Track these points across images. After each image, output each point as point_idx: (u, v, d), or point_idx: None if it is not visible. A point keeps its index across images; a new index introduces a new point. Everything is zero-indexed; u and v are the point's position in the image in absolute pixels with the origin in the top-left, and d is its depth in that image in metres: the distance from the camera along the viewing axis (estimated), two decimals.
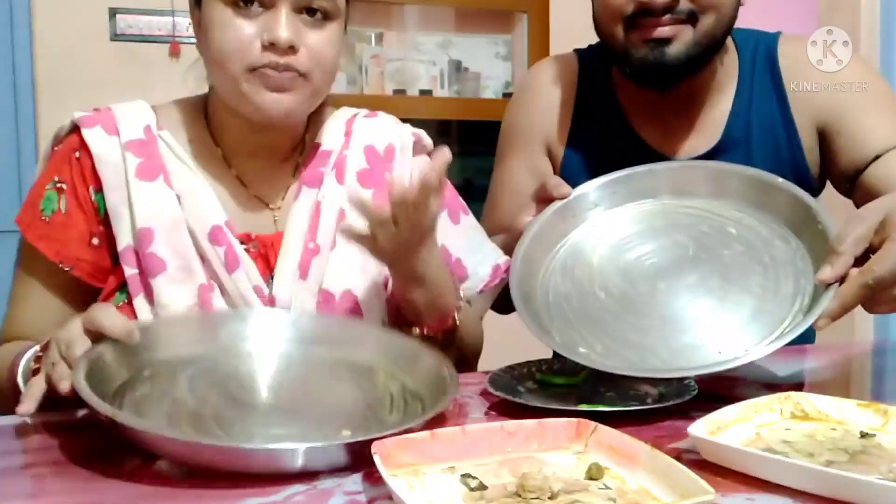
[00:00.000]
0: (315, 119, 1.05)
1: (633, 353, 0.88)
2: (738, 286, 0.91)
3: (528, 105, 1.29)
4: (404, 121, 1.13)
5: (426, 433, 0.66)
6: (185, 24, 2.36)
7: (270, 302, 0.94)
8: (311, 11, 0.90)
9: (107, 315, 0.74)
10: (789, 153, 1.19)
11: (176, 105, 1.02)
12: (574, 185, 1.21)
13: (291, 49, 0.88)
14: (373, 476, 0.61)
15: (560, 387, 0.90)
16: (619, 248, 1.00)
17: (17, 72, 2.32)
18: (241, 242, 0.95)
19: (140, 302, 0.91)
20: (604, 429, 0.67)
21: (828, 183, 1.26)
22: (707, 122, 1.20)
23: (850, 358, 1.24)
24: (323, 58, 0.91)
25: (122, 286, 0.92)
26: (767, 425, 0.73)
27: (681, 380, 0.85)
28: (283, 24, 0.88)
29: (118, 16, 2.39)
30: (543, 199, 1.03)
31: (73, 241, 0.93)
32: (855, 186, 1.18)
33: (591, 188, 1.05)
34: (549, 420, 0.69)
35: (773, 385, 0.91)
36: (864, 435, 0.69)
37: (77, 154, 0.94)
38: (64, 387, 0.69)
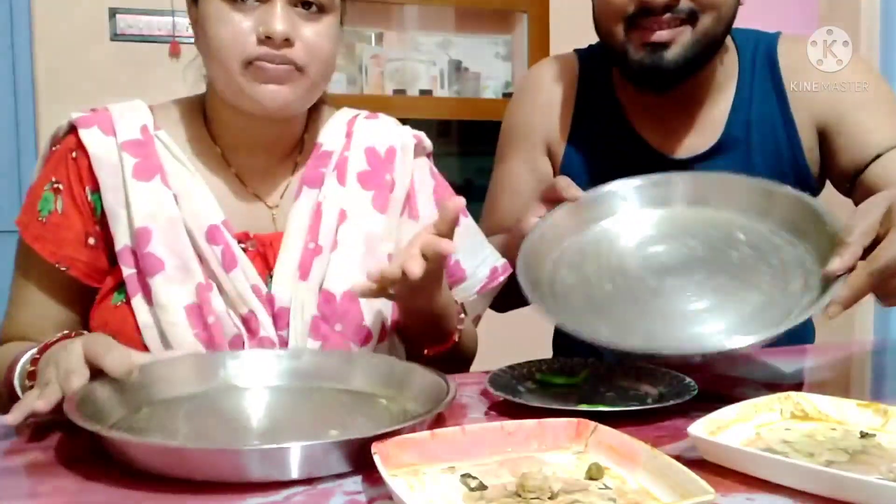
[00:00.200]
0: (313, 117, 1.05)
1: (638, 340, 0.87)
2: (746, 283, 0.91)
3: (529, 105, 1.29)
4: (404, 121, 1.13)
5: (426, 433, 0.66)
6: (184, 24, 2.36)
7: (269, 301, 0.94)
8: (306, 4, 0.91)
9: (108, 351, 0.74)
10: (790, 153, 1.19)
11: (174, 104, 1.02)
12: (576, 183, 1.22)
13: (287, 42, 0.89)
14: (373, 476, 0.61)
15: (560, 387, 0.90)
16: (628, 248, 0.99)
17: (17, 72, 2.32)
18: (239, 241, 0.95)
19: (138, 301, 0.91)
20: (604, 429, 0.67)
21: (827, 183, 1.26)
22: (707, 122, 1.20)
23: (850, 358, 1.24)
24: (319, 50, 0.92)
25: (120, 286, 0.92)
26: (767, 425, 0.73)
27: (681, 380, 0.85)
28: (279, 17, 0.88)
29: (118, 16, 2.39)
30: (551, 199, 1.01)
31: (70, 242, 0.93)
32: (855, 186, 1.18)
33: (606, 192, 1.03)
34: (549, 420, 0.69)
35: (773, 385, 0.91)
36: (864, 435, 0.69)
37: (74, 154, 0.94)
38: (42, 406, 0.70)
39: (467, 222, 1.12)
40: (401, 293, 0.89)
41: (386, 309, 0.99)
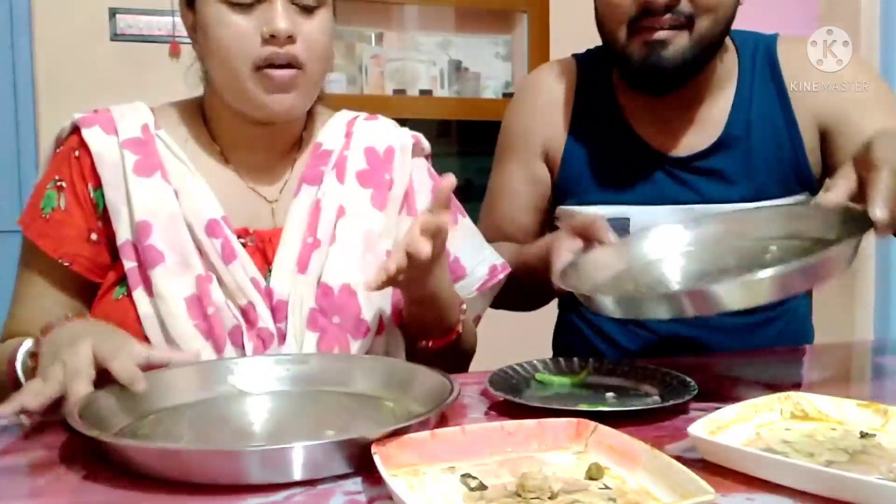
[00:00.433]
0: (311, 115, 1.07)
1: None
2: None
3: (526, 110, 1.30)
4: (404, 121, 1.14)
5: (426, 433, 0.66)
6: None
7: (267, 294, 0.94)
8: (302, 1, 0.93)
9: (116, 356, 0.75)
10: (791, 153, 1.19)
11: (173, 106, 1.04)
12: (574, 185, 1.23)
13: (290, 39, 0.91)
14: (373, 476, 0.61)
15: (560, 387, 0.90)
16: (658, 262, 1.01)
17: (17, 72, 2.32)
18: (239, 237, 0.96)
19: (139, 294, 0.92)
20: (604, 429, 0.67)
21: None
22: (707, 120, 1.20)
23: (850, 358, 1.24)
24: (318, 45, 0.94)
25: (122, 280, 0.93)
26: (767, 425, 0.73)
27: (681, 380, 0.85)
28: (281, 16, 0.91)
29: (118, 16, 2.39)
30: (583, 235, 1.02)
31: (72, 238, 0.95)
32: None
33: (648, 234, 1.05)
34: (549, 420, 0.69)
35: (773, 385, 0.91)
36: (864, 435, 0.69)
37: (76, 153, 0.96)
38: (33, 405, 0.71)
39: (465, 222, 1.13)
40: (407, 280, 0.89)
41: (383, 303, 1.00)
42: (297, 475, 0.61)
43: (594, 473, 0.61)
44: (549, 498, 0.57)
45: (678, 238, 1.02)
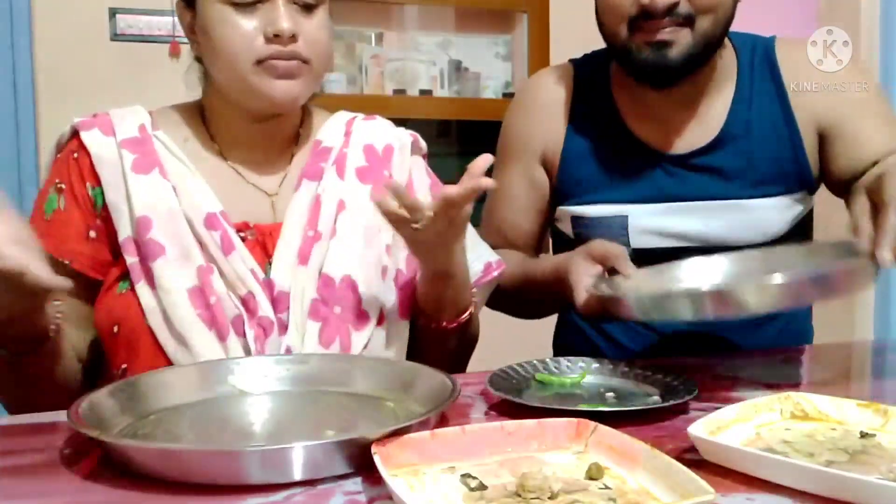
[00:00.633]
0: (307, 111, 1.09)
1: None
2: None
3: (525, 116, 1.31)
4: (404, 121, 1.17)
5: (426, 433, 0.66)
6: None
7: (268, 286, 0.95)
8: (303, 3, 0.95)
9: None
10: (790, 151, 1.20)
11: (171, 108, 1.06)
12: (573, 186, 1.23)
13: (293, 38, 0.93)
14: (373, 476, 0.61)
15: (560, 387, 0.90)
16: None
17: (17, 72, 2.31)
18: (239, 231, 0.98)
19: (142, 287, 0.93)
20: (604, 429, 0.67)
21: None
22: (705, 118, 1.21)
23: (849, 358, 1.24)
24: (319, 43, 0.97)
25: (125, 276, 0.94)
26: (767, 425, 0.73)
27: (681, 380, 0.85)
28: (284, 16, 0.93)
29: (118, 16, 2.39)
30: (603, 263, 1.05)
31: (72, 237, 0.96)
32: (850, 191, 1.19)
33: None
34: (549, 420, 0.69)
35: (773, 385, 0.91)
36: (864, 435, 0.70)
37: (76, 155, 0.98)
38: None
39: None
40: (428, 240, 0.89)
41: (384, 295, 1.01)
42: (298, 475, 0.61)
43: (594, 473, 0.61)
44: (549, 498, 0.57)
45: (712, 269, 1.06)
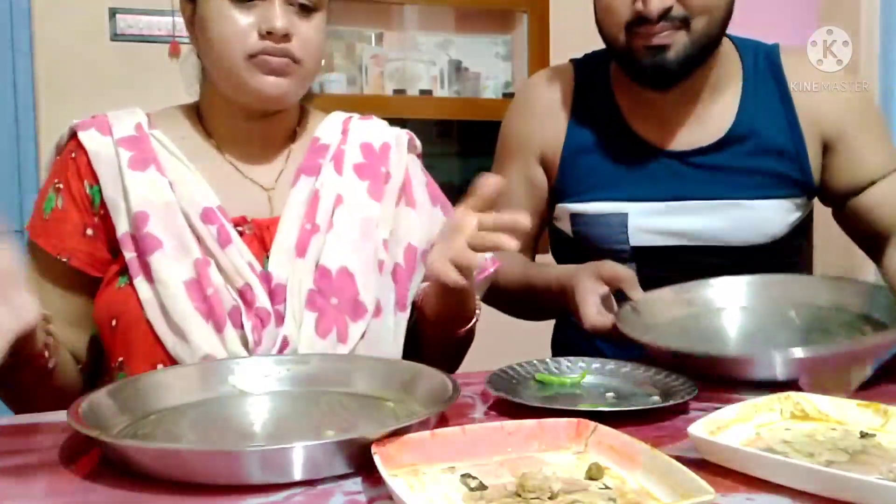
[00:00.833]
0: (304, 110, 1.11)
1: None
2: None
3: (524, 116, 1.31)
4: (404, 121, 1.16)
5: (426, 433, 0.66)
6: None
7: (265, 278, 0.96)
8: (301, 4, 0.97)
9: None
10: (794, 157, 1.21)
11: (168, 109, 1.08)
12: (574, 185, 1.23)
13: (286, 37, 0.96)
14: (373, 476, 0.61)
15: (560, 387, 0.90)
16: (720, 311, 1.07)
17: (17, 72, 2.31)
18: (237, 225, 0.99)
19: (140, 282, 0.93)
20: (604, 429, 0.67)
21: None
22: (708, 118, 1.21)
23: None
24: (312, 44, 0.99)
25: (123, 271, 0.95)
26: (767, 425, 0.73)
27: (681, 380, 0.85)
28: (279, 14, 0.95)
29: (118, 16, 2.39)
30: (610, 284, 1.07)
31: (69, 234, 0.97)
32: (845, 207, 1.24)
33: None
34: (549, 420, 0.69)
35: (773, 385, 0.91)
36: (864, 435, 0.69)
37: (73, 155, 0.99)
38: None
39: None
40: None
41: (380, 288, 1.01)
42: (298, 475, 0.61)
43: (594, 473, 0.61)
44: (549, 498, 0.57)
45: (739, 291, 1.08)
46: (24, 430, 0.78)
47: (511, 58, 2.94)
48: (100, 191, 0.97)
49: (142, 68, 2.35)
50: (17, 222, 2.28)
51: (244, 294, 0.94)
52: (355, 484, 0.62)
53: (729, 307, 1.06)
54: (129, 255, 0.94)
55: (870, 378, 0.86)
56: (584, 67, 1.30)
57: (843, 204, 1.25)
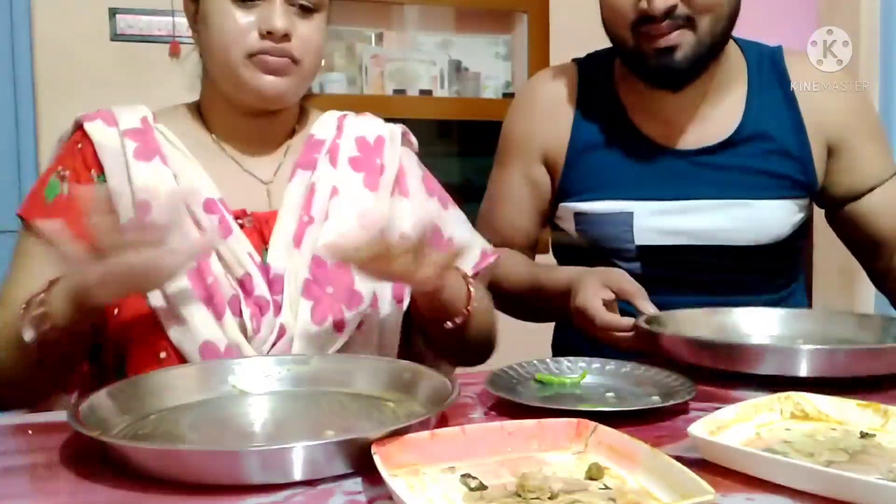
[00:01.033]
0: (304, 111, 1.12)
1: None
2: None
3: (526, 115, 1.31)
4: (404, 121, 1.17)
5: (426, 433, 0.66)
6: (185, 23, 2.35)
7: (264, 270, 0.97)
8: (301, 5, 0.98)
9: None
10: (800, 158, 1.22)
11: (171, 108, 1.09)
12: (578, 184, 1.23)
13: (285, 37, 0.97)
14: (373, 476, 0.61)
15: (560, 387, 0.90)
16: (747, 336, 1.07)
17: (17, 72, 2.31)
18: (237, 218, 1.00)
19: None
20: (604, 429, 0.67)
21: None
22: (714, 118, 1.22)
23: None
24: (312, 45, 1.00)
25: None
26: (767, 425, 0.73)
27: (681, 380, 0.85)
28: (279, 14, 0.96)
29: (118, 16, 2.39)
30: (617, 294, 1.07)
31: (75, 221, 0.95)
32: (843, 211, 1.25)
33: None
34: (549, 420, 0.69)
35: (773, 385, 0.91)
36: (864, 435, 0.70)
37: (80, 146, 1.00)
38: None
39: (455, 209, 1.16)
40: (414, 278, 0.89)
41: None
42: (298, 475, 0.61)
43: (594, 473, 0.61)
44: (549, 498, 0.57)
45: (766, 321, 1.08)
46: (24, 430, 0.78)
47: (511, 58, 2.94)
48: (105, 181, 0.97)
49: (142, 68, 2.35)
50: (17, 222, 2.29)
51: (244, 283, 0.95)
52: (355, 484, 0.62)
53: (755, 334, 1.07)
54: None
55: (870, 378, 0.86)
56: (588, 66, 1.30)
57: (840, 208, 1.26)
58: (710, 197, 1.19)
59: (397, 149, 1.11)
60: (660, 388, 0.86)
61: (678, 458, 0.59)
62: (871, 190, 1.23)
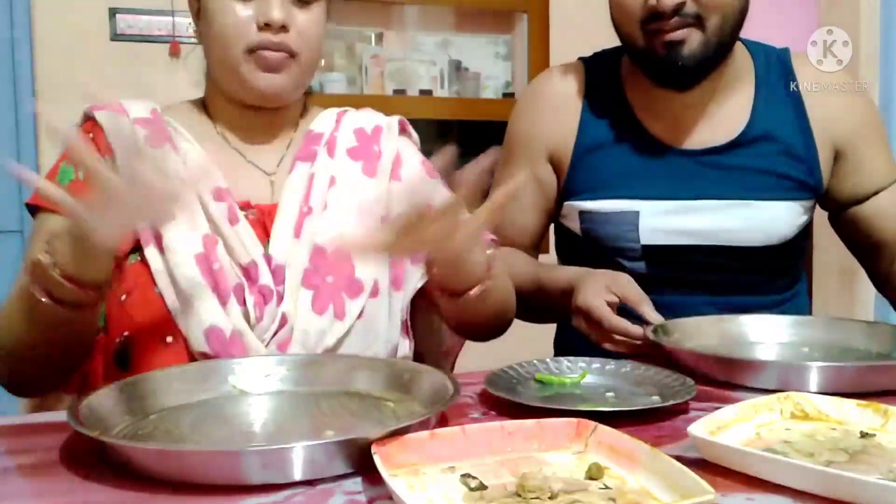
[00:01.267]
0: (307, 107, 1.14)
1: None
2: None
3: (533, 114, 1.31)
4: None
5: (426, 433, 0.66)
6: (185, 24, 2.36)
7: (267, 261, 0.98)
8: None
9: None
10: (806, 160, 1.22)
11: (177, 104, 1.10)
12: (584, 183, 1.23)
13: (283, 28, 0.98)
14: (373, 476, 0.61)
15: (560, 387, 0.90)
16: (754, 345, 1.08)
17: (17, 72, 2.32)
18: (241, 209, 1.01)
19: (151, 252, 0.95)
20: (604, 429, 0.67)
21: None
22: (721, 118, 1.22)
23: None
24: (310, 36, 1.01)
25: (135, 249, 0.96)
26: (767, 425, 0.73)
27: (681, 380, 0.85)
28: (276, 6, 0.97)
29: (118, 16, 2.39)
30: (621, 299, 1.07)
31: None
32: (846, 214, 1.26)
33: None
34: (549, 420, 0.69)
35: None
36: (864, 435, 0.70)
37: (91, 135, 1.01)
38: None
39: None
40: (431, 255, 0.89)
41: (378, 267, 1.02)
42: (298, 475, 0.61)
43: (594, 473, 0.61)
44: (549, 498, 0.57)
45: (776, 329, 1.08)
46: (24, 430, 0.78)
47: (511, 58, 2.94)
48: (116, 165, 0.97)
49: (142, 68, 2.35)
50: (17, 222, 2.29)
51: (248, 271, 0.96)
52: (355, 484, 0.62)
53: (765, 342, 1.07)
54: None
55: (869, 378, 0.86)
56: (594, 65, 1.30)
57: (843, 211, 1.26)
58: (717, 197, 1.19)
59: (394, 137, 1.12)
60: (660, 388, 0.86)
61: (678, 458, 0.59)
62: (876, 193, 1.23)
